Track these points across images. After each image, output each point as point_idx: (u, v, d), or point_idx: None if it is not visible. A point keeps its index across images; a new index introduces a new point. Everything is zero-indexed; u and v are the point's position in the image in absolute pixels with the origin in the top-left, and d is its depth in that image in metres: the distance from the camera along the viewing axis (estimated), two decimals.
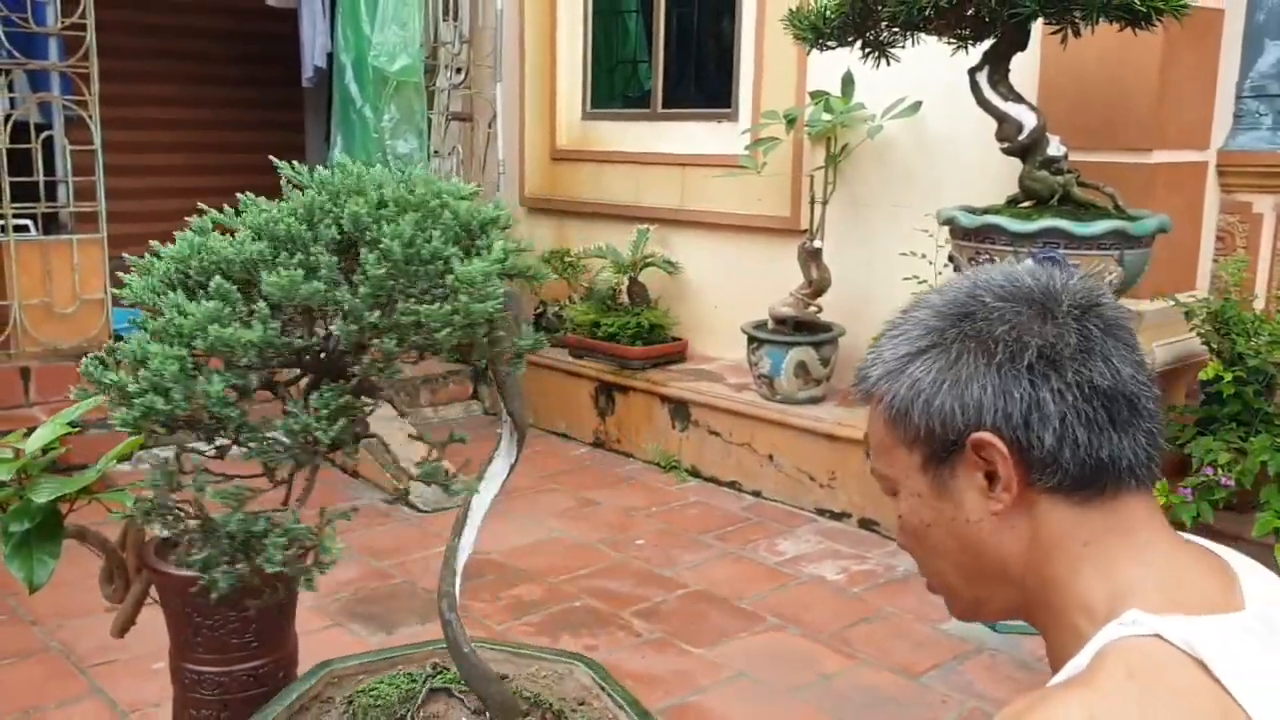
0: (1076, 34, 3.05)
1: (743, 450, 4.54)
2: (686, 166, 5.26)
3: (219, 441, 1.46)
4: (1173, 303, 3.61)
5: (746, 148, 4.52)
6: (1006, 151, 3.33)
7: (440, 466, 1.58)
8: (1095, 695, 0.78)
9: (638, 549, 3.92)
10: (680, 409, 4.78)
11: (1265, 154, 3.89)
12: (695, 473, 4.72)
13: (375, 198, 1.44)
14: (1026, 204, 3.31)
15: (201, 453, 1.49)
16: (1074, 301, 0.91)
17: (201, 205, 1.55)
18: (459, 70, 6.06)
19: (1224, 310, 3.48)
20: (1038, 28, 3.24)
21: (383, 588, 3.54)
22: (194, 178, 6.86)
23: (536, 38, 5.89)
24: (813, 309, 4.49)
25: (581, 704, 1.71)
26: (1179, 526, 3.04)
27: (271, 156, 1.61)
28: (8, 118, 4.67)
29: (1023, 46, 3.24)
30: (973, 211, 3.29)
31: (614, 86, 5.97)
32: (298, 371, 1.52)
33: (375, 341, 1.38)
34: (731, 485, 4.58)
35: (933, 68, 3.59)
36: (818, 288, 4.46)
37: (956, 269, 3.36)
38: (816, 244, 4.44)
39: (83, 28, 4.65)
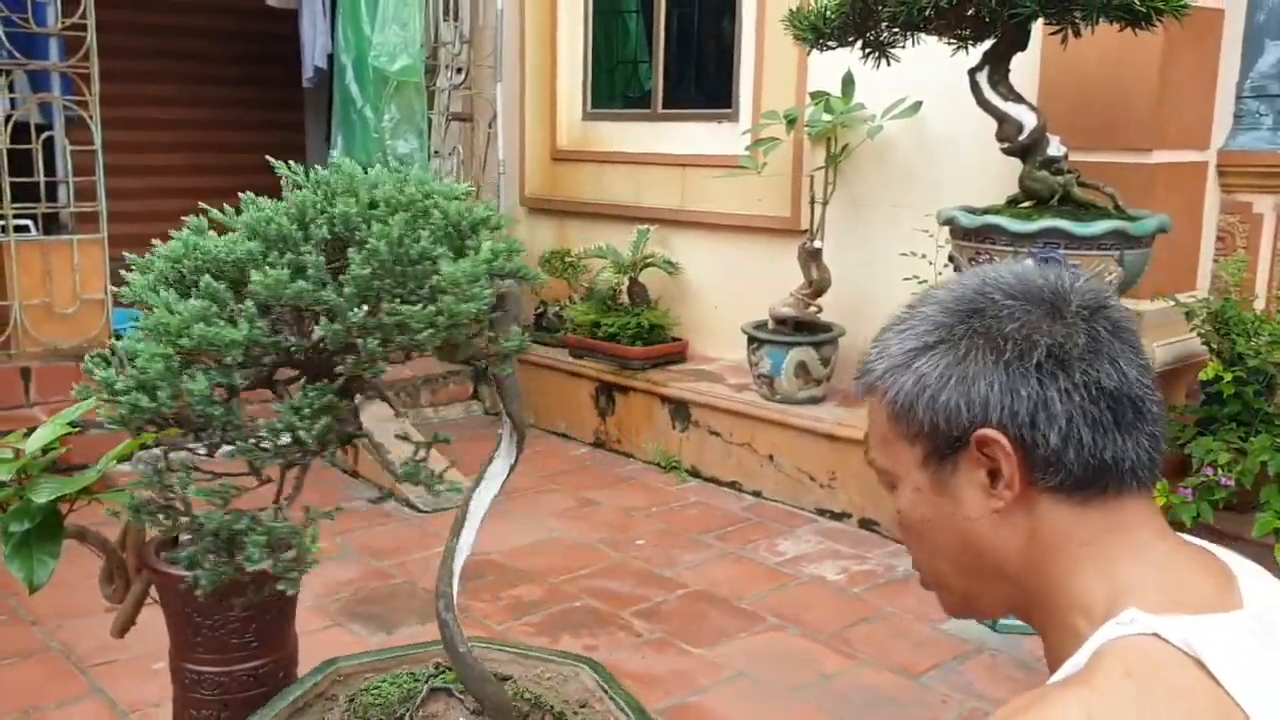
0: (1077, 34, 3.05)
1: (743, 450, 4.54)
2: (687, 167, 5.26)
3: (208, 440, 1.46)
4: (1173, 303, 3.61)
5: (747, 148, 4.52)
6: (1007, 152, 3.33)
7: (423, 467, 1.58)
8: (1093, 694, 0.78)
9: (638, 549, 3.92)
10: (680, 409, 4.78)
11: (1265, 154, 3.89)
12: (695, 473, 4.72)
13: (366, 198, 1.44)
14: (1027, 204, 3.31)
15: (193, 451, 1.49)
16: (1083, 302, 0.91)
17: (203, 205, 1.55)
18: (459, 70, 6.06)
19: (1224, 310, 3.48)
20: (1038, 28, 3.24)
21: (383, 588, 3.54)
22: (194, 178, 6.86)
23: (537, 38, 5.90)
24: (813, 309, 4.49)
25: (583, 706, 1.71)
26: (1179, 527, 3.04)
27: (269, 156, 1.61)
28: (8, 118, 4.67)
29: (1023, 47, 3.24)
30: (973, 212, 3.29)
31: (614, 87, 5.97)
32: (297, 371, 1.52)
33: (359, 341, 1.38)
34: (732, 485, 4.58)
35: (933, 68, 3.59)
36: (818, 288, 4.46)
37: (956, 269, 3.36)
38: (817, 244, 4.44)
39: (83, 28, 4.65)
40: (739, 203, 4.97)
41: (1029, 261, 2.89)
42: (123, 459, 1.80)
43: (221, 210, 1.57)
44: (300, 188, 1.53)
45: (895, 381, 0.94)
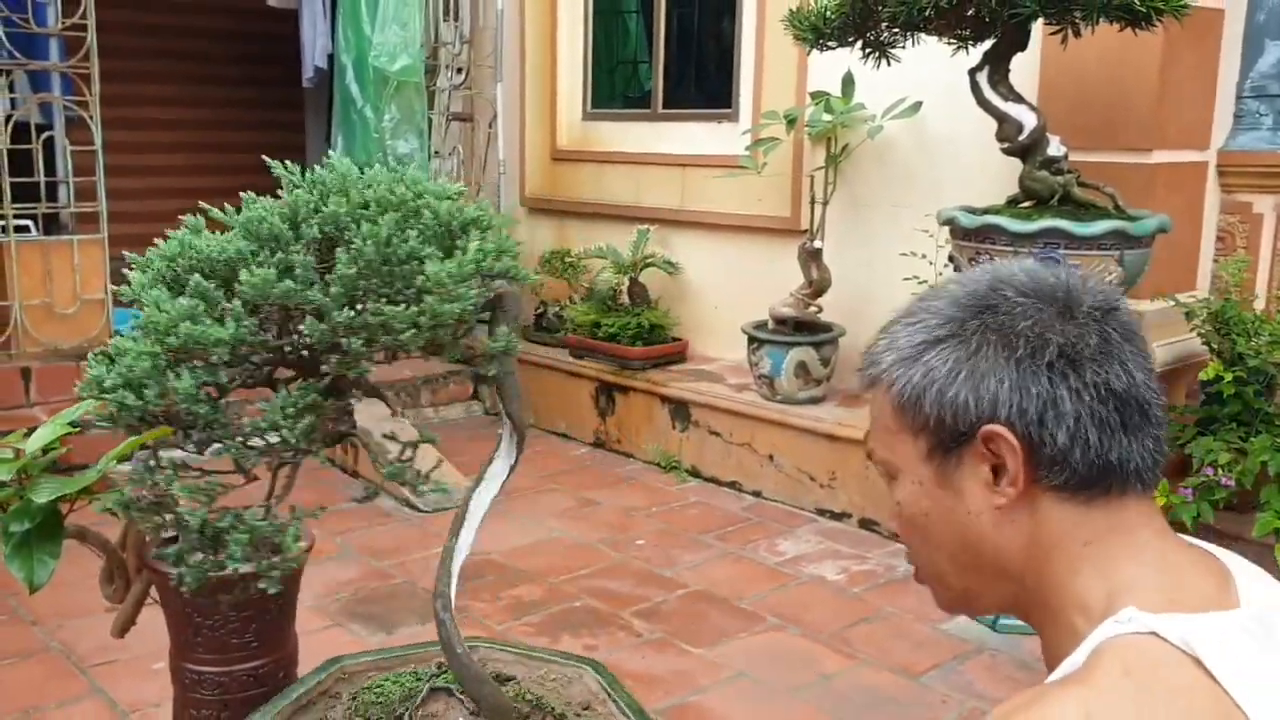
0: (1077, 34, 3.05)
1: (743, 450, 4.54)
2: (687, 167, 5.26)
3: (196, 438, 1.47)
4: (1173, 303, 3.61)
5: (747, 148, 4.52)
6: (1007, 152, 3.33)
7: (408, 467, 1.59)
8: (1091, 693, 0.78)
9: (638, 549, 3.92)
10: (680, 409, 4.78)
11: (1265, 154, 3.89)
12: (695, 473, 4.72)
13: (358, 197, 1.44)
14: (1027, 204, 3.31)
15: (184, 449, 1.50)
16: (1095, 303, 0.91)
17: (204, 204, 1.55)
18: (459, 70, 6.06)
19: (1224, 310, 3.48)
20: (1038, 28, 3.24)
21: (383, 588, 3.54)
22: (194, 178, 6.86)
23: (537, 38, 5.90)
24: (813, 309, 4.49)
25: (586, 709, 1.71)
26: (1179, 527, 3.03)
27: (265, 156, 1.62)
28: (9, 118, 4.67)
29: (1023, 47, 3.24)
30: (973, 212, 3.29)
31: (614, 87, 5.97)
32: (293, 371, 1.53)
33: (344, 341, 1.39)
34: (732, 485, 4.58)
35: (933, 68, 3.59)
36: (818, 288, 4.46)
37: (956, 269, 3.36)
38: (817, 244, 4.45)
39: (83, 28, 4.65)
40: (739, 203, 4.97)
41: (1029, 261, 2.89)
42: (123, 459, 1.80)
43: (222, 210, 1.57)
44: (297, 187, 1.53)
45: (904, 374, 0.94)
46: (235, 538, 1.45)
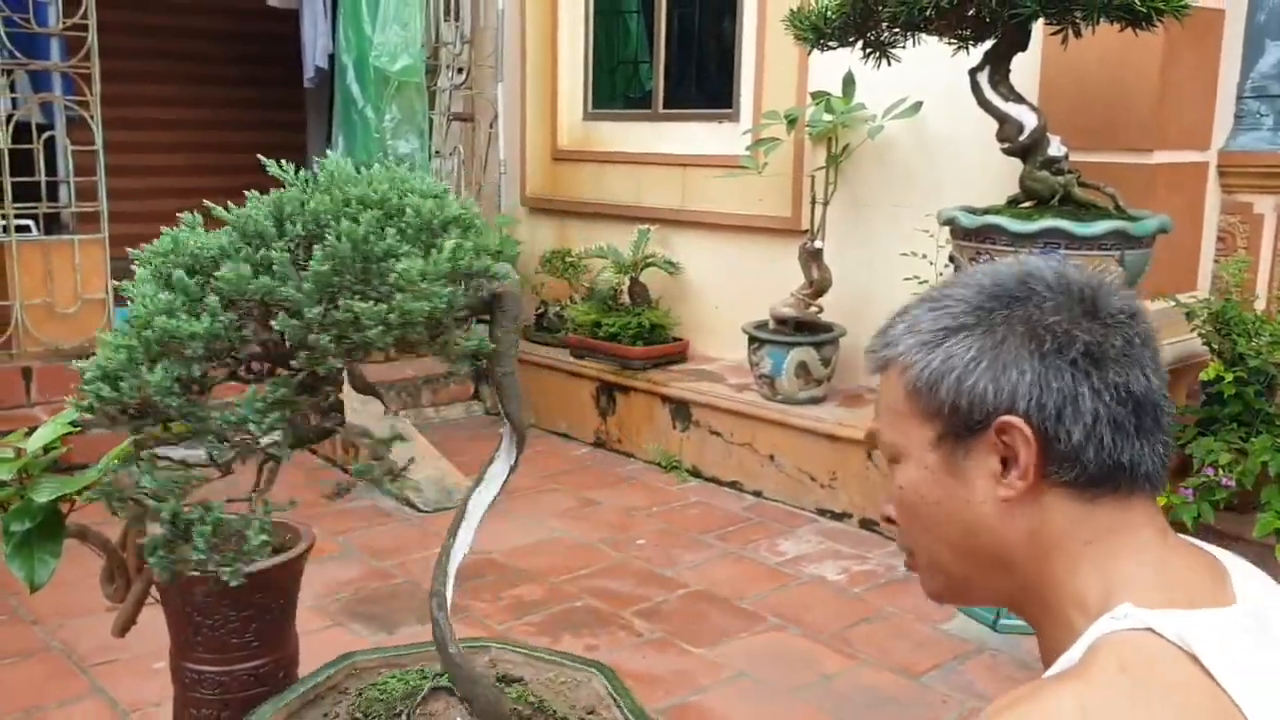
0: (1077, 34, 3.05)
1: (744, 450, 4.54)
2: (687, 167, 5.27)
3: (178, 431, 1.48)
4: (1174, 303, 3.61)
5: (747, 148, 4.52)
6: (1007, 152, 3.33)
7: (374, 466, 1.59)
8: (1087, 688, 0.78)
9: (639, 549, 3.92)
10: (681, 409, 4.78)
11: (1266, 154, 3.89)
12: (696, 473, 4.72)
13: (339, 194, 1.45)
14: (1027, 204, 3.31)
15: (172, 444, 1.51)
16: (1121, 306, 0.92)
17: (207, 203, 1.56)
18: (460, 70, 6.06)
19: (1225, 311, 3.48)
20: (1038, 28, 3.24)
21: (384, 588, 3.54)
22: (195, 178, 6.87)
23: (538, 38, 5.90)
24: (814, 309, 4.49)
25: (590, 713, 1.71)
26: (1180, 527, 3.04)
27: (263, 156, 1.62)
28: (10, 118, 4.68)
29: (1023, 47, 3.24)
30: (973, 212, 3.29)
31: (615, 87, 5.97)
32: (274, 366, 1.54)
33: (312, 337, 1.39)
34: (732, 485, 4.58)
35: (933, 68, 3.59)
36: (819, 288, 4.47)
37: (957, 269, 3.36)
38: (817, 244, 4.45)
39: (84, 28, 4.66)
40: (740, 203, 4.97)
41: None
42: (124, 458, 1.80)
43: (226, 210, 1.58)
44: (292, 186, 1.54)
45: (923, 358, 0.93)
46: (199, 530, 1.46)
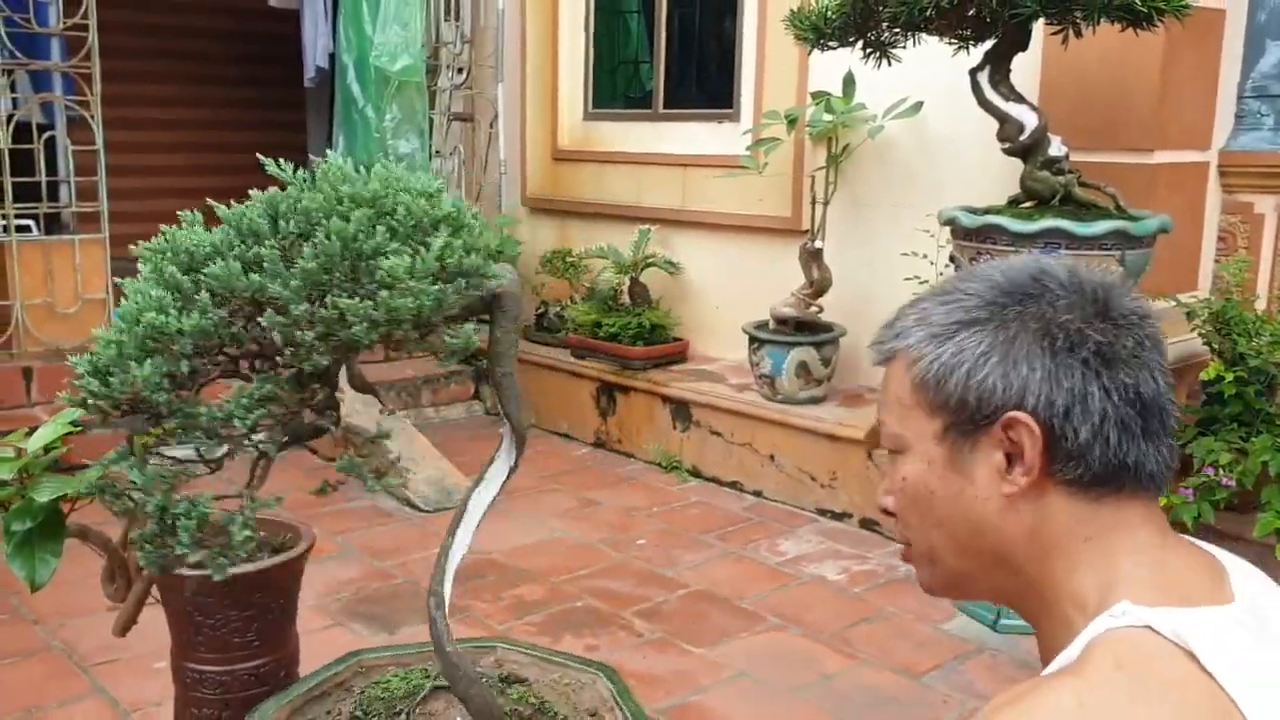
0: (1078, 34, 3.05)
1: (744, 450, 4.54)
2: (688, 167, 5.27)
3: (169, 426, 1.49)
4: (1174, 303, 3.61)
5: (748, 148, 4.52)
6: (1008, 152, 3.33)
7: (360, 463, 1.60)
8: (1085, 684, 0.79)
9: (639, 549, 3.92)
10: (681, 409, 4.78)
11: (1267, 154, 3.89)
12: (696, 473, 4.72)
13: (331, 192, 1.45)
14: (1028, 204, 3.31)
15: (163, 439, 1.52)
16: (1132, 308, 0.92)
17: (211, 201, 1.56)
18: (461, 70, 6.06)
19: (1225, 310, 3.48)
20: (1039, 28, 3.24)
21: (384, 588, 3.54)
22: (195, 178, 6.88)
23: (538, 38, 5.90)
24: (814, 309, 4.49)
25: (593, 715, 1.71)
26: (1180, 527, 3.04)
27: (261, 155, 1.62)
28: (10, 118, 4.68)
29: (1024, 47, 3.24)
30: (974, 212, 3.29)
31: (615, 87, 5.97)
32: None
33: (299, 334, 1.39)
34: (733, 485, 4.58)
35: (934, 68, 3.59)
36: (819, 288, 4.47)
37: (957, 269, 3.36)
38: (818, 244, 4.45)
39: (85, 28, 4.66)
40: (740, 203, 4.97)
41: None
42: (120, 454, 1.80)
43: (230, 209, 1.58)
44: (289, 184, 1.54)
45: (932, 350, 0.93)
46: (184, 524, 1.46)
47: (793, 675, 3.02)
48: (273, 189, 1.51)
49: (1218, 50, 3.91)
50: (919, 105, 4.11)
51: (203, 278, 1.41)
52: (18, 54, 4.72)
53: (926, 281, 3.76)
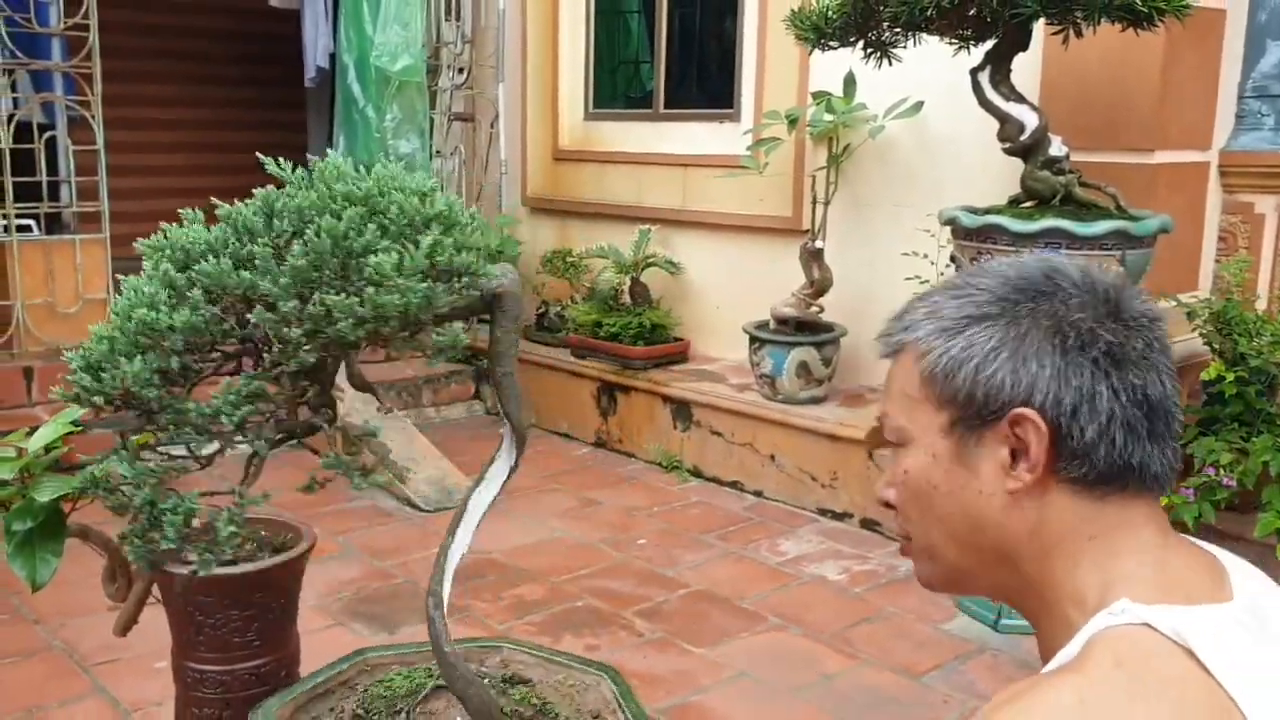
0: (1078, 34, 3.05)
1: (744, 450, 4.54)
2: (688, 167, 5.27)
3: (162, 422, 1.49)
4: (1175, 303, 3.61)
5: (748, 148, 4.52)
6: (1008, 152, 3.33)
7: (345, 460, 1.60)
8: (1085, 681, 0.79)
9: (639, 549, 3.92)
10: (682, 409, 4.78)
11: (1267, 154, 3.89)
12: (697, 473, 4.72)
13: (324, 190, 1.45)
14: (1028, 204, 3.31)
15: (156, 434, 1.53)
16: (1142, 310, 0.92)
17: (214, 200, 1.56)
18: (461, 70, 6.06)
19: (1226, 310, 3.48)
20: (1039, 28, 3.24)
21: (385, 587, 3.54)
22: (195, 178, 6.87)
23: (539, 38, 5.90)
24: (814, 309, 4.49)
25: (595, 717, 1.71)
26: (1180, 526, 3.04)
27: (260, 154, 1.62)
28: (11, 118, 4.68)
29: (1024, 47, 3.24)
30: (974, 211, 3.29)
31: (616, 87, 5.97)
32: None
33: (286, 330, 1.40)
34: (733, 485, 4.58)
35: (934, 68, 3.59)
36: (819, 288, 4.47)
37: (958, 269, 3.36)
38: (818, 244, 4.45)
39: (85, 28, 4.66)
40: (741, 203, 4.97)
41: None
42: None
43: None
44: (291, 184, 1.54)
45: (942, 344, 0.93)
46: (170, 520, 1.47)
47: (793, 675, 3.02)
48: (270, 187, 1.51)
49: (1218, 50, 3.91)
50: (919, 105, 4.11)
51: (195, 274, 1.41)
52: (18, 54, 4.72)
53: (927, 281, 3.76)
